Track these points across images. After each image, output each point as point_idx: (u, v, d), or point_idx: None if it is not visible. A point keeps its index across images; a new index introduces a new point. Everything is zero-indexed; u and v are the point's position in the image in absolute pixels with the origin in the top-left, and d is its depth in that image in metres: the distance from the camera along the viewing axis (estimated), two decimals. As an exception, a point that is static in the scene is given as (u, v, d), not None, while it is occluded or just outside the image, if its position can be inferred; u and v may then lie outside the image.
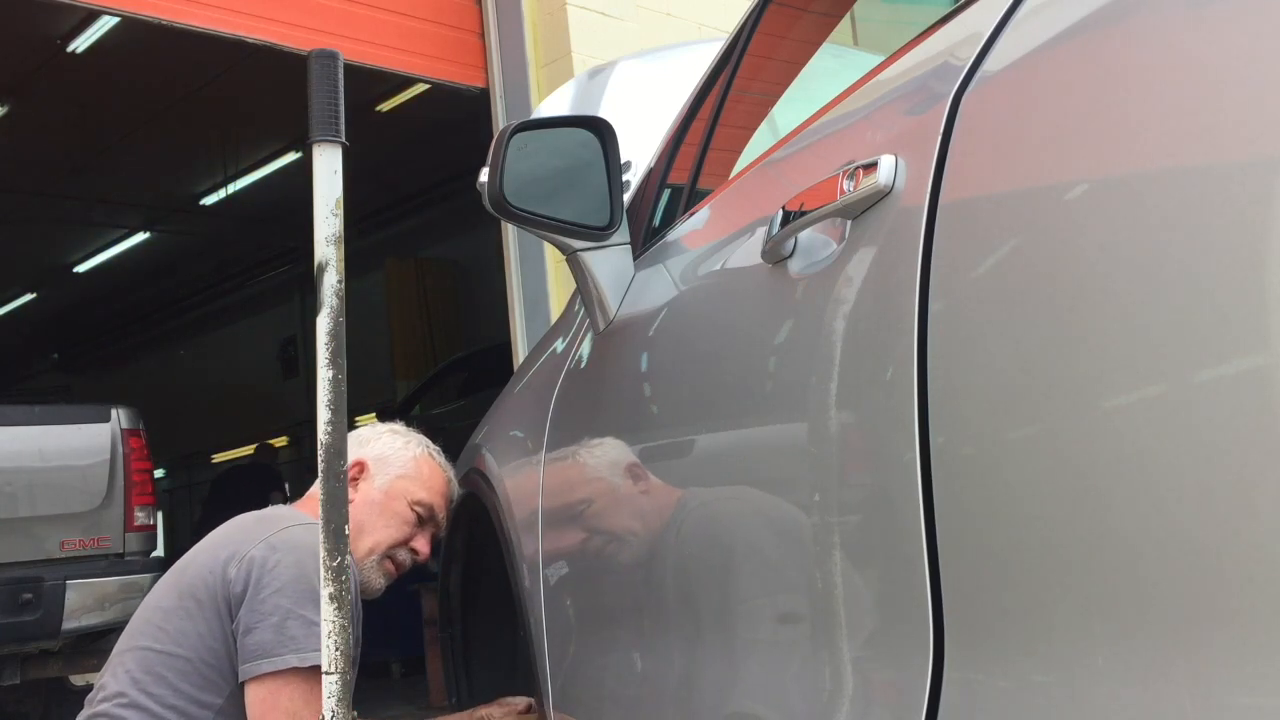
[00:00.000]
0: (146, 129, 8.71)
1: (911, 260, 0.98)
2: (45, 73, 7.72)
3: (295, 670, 1.84)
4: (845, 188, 1.09)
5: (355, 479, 2.14)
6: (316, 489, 2.22)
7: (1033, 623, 0.87)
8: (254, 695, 1.87)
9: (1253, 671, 0.71)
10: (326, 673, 1.45)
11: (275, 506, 2.13)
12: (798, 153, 1.36)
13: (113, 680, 1.95)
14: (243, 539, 1.98)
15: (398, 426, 2.28)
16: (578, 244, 1.72)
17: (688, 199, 1.76)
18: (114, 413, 4.75)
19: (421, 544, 2.19)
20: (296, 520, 2.02)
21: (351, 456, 2.16)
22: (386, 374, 10.68)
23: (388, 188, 10.32)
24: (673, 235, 1.69)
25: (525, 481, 2.02)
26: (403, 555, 2.17)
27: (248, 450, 10.91)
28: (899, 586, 1.00)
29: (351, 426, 1.57)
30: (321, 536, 1.47)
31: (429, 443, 2.26)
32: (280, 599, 1.88)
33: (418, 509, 2.17)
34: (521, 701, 2.19)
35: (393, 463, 2.18)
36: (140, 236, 11.90)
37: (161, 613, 1.97)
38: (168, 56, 6.80)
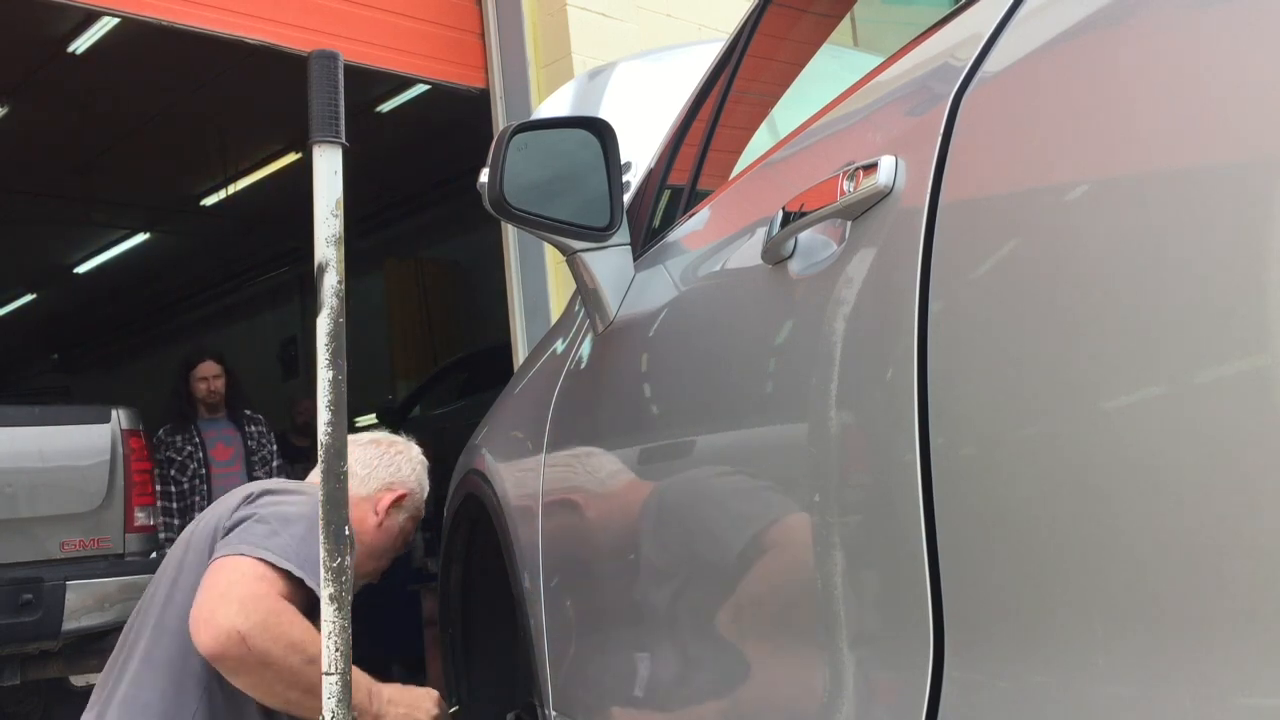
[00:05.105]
0: (147, 129, 8.71)
1: (911, 260, 0.98)
2: (45, 73, 7.72)
3: (243, 555, 1.85)
4: (845, 188, 1.09)
5: (390, 507, 2.21)
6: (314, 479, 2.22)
7: (1033, 623, 0.87)
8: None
9: (1253, 672, 0.71)
10: (327, 673, 1.46)
11: (270, 480, 2.17)
12: (798, 154, 1.36)
13: (121, 670, 1.97)
14: (229, 510, 2.01)
15: (414, 446, 2.34)
16: (578, 245, 1.72)
17: (688, 200, 1.76)
18: (114, 413, 4.74)
19: None
20: (285, 491, 2.06)
21: (394, 483, 2.23)
22: (386, 374, 10.67)
23: (388, 188, 10.31)
24: (673, 236, 1.69)
25: (525, 482, 2.02)
26: None
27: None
28: (899, 586, 1.00)
29: (351, 427, 1.57)
30: (322, 538, 1.48)
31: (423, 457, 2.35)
32: (253, 522, 1.93)
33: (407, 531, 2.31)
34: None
35: (418, 497, 2.28)
36: (140, 236, 11.89)
37: (165, 588, 2.00)
38: (168, 56, 6.79)
